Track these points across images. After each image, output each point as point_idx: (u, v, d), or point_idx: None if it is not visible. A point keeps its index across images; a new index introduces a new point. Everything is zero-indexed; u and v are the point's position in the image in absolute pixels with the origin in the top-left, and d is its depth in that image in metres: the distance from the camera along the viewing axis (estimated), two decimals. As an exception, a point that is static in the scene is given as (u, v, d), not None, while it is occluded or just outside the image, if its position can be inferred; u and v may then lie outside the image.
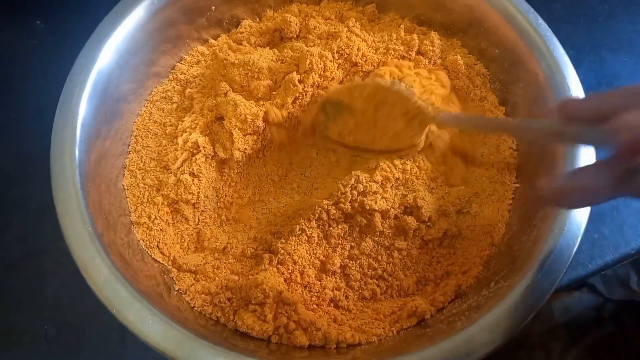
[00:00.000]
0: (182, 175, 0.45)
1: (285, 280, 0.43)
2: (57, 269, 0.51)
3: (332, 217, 0.44)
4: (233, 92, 0.48)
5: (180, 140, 0.46)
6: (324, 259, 0.44)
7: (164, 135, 0.49)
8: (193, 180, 0.45)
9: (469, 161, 0.49)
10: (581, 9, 0.65)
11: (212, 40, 0.54)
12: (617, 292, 0.83)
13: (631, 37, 0.64)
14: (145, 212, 0.45)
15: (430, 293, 0.44)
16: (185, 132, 0.47)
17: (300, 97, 0.47)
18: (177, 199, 0.45)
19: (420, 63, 0.50)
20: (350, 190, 0.44)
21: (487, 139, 0.49)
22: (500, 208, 0.46)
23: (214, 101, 0.48)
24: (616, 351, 0.83)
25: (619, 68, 0.62)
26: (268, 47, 0.52)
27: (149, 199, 0.46)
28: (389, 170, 0.45)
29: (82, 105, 0.43)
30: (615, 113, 0.27)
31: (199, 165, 0.46)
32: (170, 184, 0.45)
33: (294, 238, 0.44)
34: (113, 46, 0.46)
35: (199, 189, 0.45)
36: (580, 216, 0.39)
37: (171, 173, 0.46)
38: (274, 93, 0.48)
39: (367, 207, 0.43)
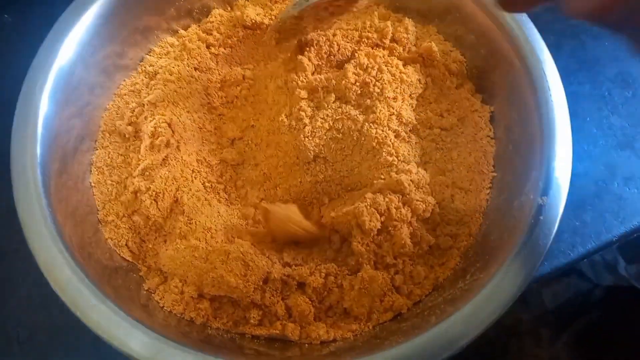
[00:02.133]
0: (142, 196, 0.43)
1: None
2: (29, 270, 0.50)
3: None
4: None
5: (142, 147, 0.44)
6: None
7: (131, 132, 0.47)
8: (157, 204, 0.43)
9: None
10: (561, -5, 0.64)
11: (181, 31, 0.53)
12: (605, 278, 0.84)
13: None
14: (113, 210, 0.44)
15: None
16: (148, 137, 0.45)
17: None
18: (139, 213, 0.44)
19: (394, 51, 0.49)
20: None
21: (463, 128, 0.48)
22: (478, 197, 0.45)
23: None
24: (604, 336, 0.84)
25: (600, 53, 0.61)
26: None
27: (117, 196, 0.45)
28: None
29: (43, 101, 0.41)
30: None
31: (162, 179, 0.44)
32: (129, 194, 0.43)
33: None
34: (75, 39, 0.44)
35: (160, 211, 0.43)
36: (557, 205, 0.38)
37: (134, 178, 0.44)
38: None
39: None
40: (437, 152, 0.47)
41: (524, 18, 0.45)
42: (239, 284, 0.39)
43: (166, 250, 0.43)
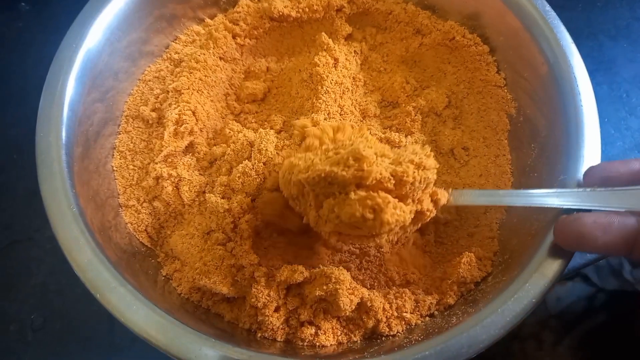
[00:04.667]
0: (163, 182, 0.43)
1: None
2: (44, 257, 0.50)
3: None
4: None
5: (165, 134, 0.44)
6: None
7: (154, 117, 0.47)
8: (179, 191, 0.43)
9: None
10: (579, -6, 0.64)
11: (208, 20, 0.52)
12: (610, 282, 0.83)
13: (630, 23, 0.63)
14: (134, 194, 0.44)
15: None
16: (172, 124, 0.45)
17: None
18: (160, 199, 0.43)
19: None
20: None
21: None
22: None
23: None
24: (608, 341, 0.83)
25: (617, 54, 0.61)
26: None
27: (138, 181, 0.44)
28: None
29: (69, 83, 0.41)
30: None
31: (184, 166, 0.44)
32: (151, 180, 0.43)
33: None
34: (103, 23, 0.44)
35: (181, 199, 0.43)
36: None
37: (156, 164, 0.44)
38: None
39: None
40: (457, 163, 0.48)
41: (555, 21, 0.44)
42: (230, 292, 0.39)
43: (172, 234, 0.43)
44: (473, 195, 0.39)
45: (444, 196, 0.37)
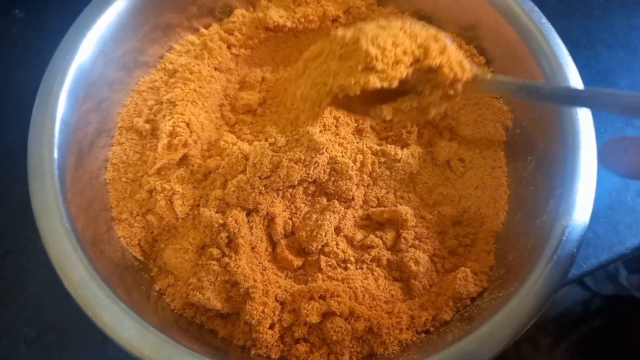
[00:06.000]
0: (157, 195, 0.43)
1: None
2: (38, 269, 0.49)
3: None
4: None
5: (159, 146, 0.44)
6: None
7: (148, 129, 0.46)
8: (172, 204, 0.43)
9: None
10: (576, 3, 0.64)
11: (203, 30, 0.52)
12: (606, 287, 0.83)
13: (627, 33, 0.62)
14: (127, 208, 0.43)
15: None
16: (165, 136, 0.44)
17: None
18: (153, 213, 0.43)
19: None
20: None
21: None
22: (496, 214, 0.45)
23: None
24: (604, 346, 0.83)
25: (615, 63, 0.60)
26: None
27: (131, 194, 0.44)
28: None
29: (62, 95, 0.41)
30: None
31: (178, 180, 0.44)
32: (144, 193, 0.43)
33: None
34: (97, 34, 0.44)
35: (174, 213, 0.43)
36: (580, 225, 0.37)
37: (150, 177, 0.44)
38: None
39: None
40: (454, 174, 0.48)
41: (551, 33, 0.44)
42: (224, 308, 0.39)
43: (166, 248, 0.42)
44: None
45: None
